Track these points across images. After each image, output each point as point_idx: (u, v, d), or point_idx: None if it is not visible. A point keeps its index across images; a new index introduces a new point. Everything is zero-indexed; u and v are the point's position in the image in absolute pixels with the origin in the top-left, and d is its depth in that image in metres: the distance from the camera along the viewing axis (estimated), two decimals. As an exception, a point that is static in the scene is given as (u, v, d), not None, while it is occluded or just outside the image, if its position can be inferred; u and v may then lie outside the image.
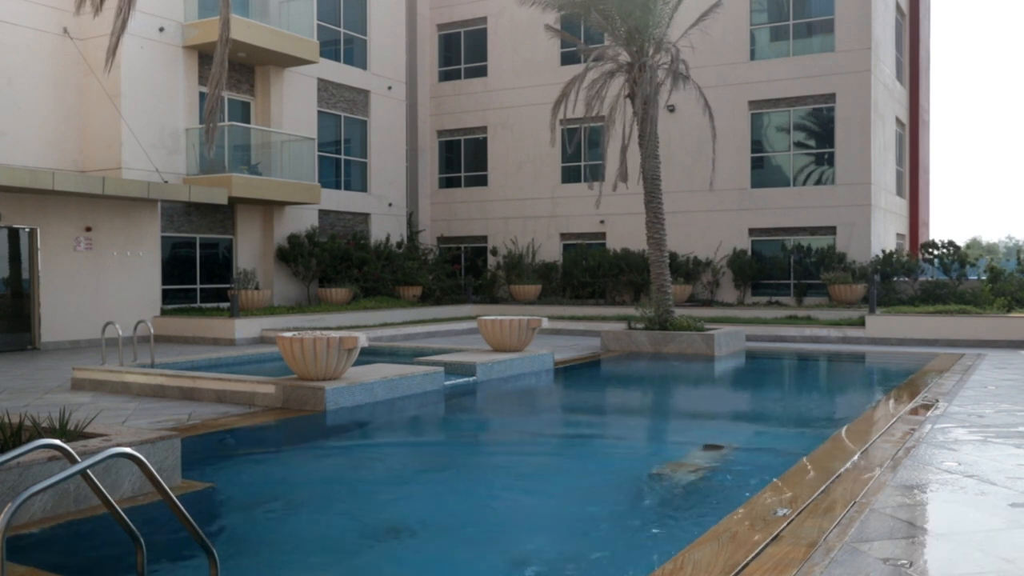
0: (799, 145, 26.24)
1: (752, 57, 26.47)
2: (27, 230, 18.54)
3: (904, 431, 8.65)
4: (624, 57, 19.58)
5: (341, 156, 26.77)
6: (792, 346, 19.53)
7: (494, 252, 29.68)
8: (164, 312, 20.83)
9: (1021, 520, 5.65)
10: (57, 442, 4.02)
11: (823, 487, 6.36)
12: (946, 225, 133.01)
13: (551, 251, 29.29)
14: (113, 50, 10.77)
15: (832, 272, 24.40)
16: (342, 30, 26.49)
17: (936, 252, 24.31)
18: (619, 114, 20.02)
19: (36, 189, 17.36)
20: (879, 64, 25.85)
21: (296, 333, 11.19)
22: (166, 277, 21.45)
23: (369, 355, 13.87)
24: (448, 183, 31.73)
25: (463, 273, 30.46)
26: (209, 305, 22.19)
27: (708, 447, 8.60)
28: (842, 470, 6.91)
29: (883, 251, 25.19)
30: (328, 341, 10.79)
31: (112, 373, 12.13)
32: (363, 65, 27.16)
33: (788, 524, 5.42)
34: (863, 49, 24.96)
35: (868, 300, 21.91)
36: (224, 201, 20.57)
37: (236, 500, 6.73)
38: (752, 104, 26.41)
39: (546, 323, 15.68)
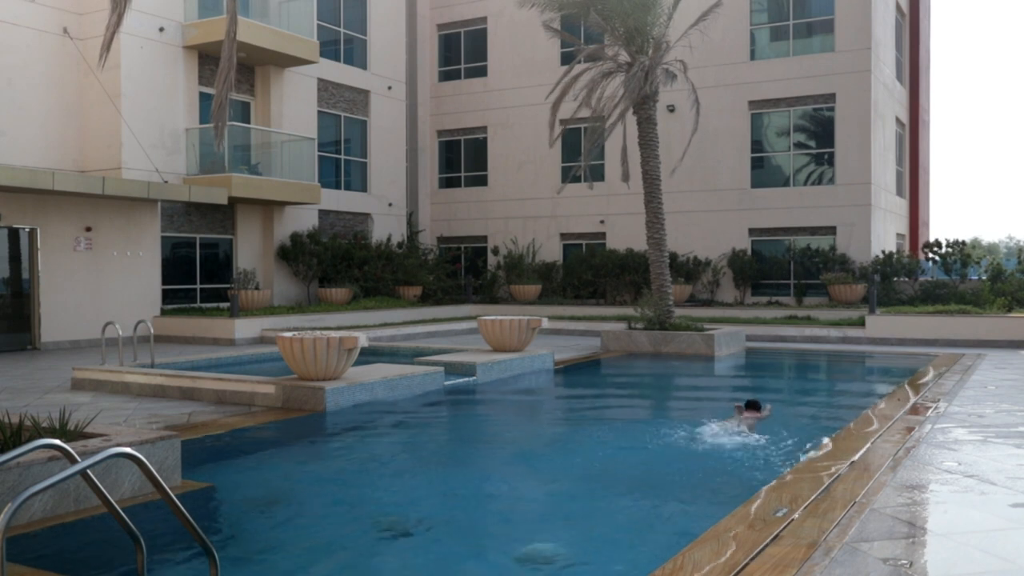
0: (799, 145, 26.24)
1: (752, 57, 26.47)
2: (27, 230, 18.54)
3: (904, 431, 8.65)
4: (623, 57, 19.57)
5: (341, 156, 26.77)
6: (792, 346, 19.53)
7: (495, 252, 29.67)
8: (164, 312, 20.83)
9: (1021, 520, 5.65)
10: (57, 442, 4.02)
11: (823, 487, 6.36)
12: (946, 225, 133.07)
13: (551, 251, 29.29)
14: (108, 44, 10.72)
15: (832, 272, 24.40)
16: (342, 30, 26.49)
17: (940, 251, 24.26)
18: (619, 114, 19.99)
19: (36, 189, 17.36)
20: (879, 64, 25.84)
21: (296, 333, 11.19)
22: (166, 277, 21.45)
23: (369, 355, 13.86)
24: (448, 183, 31.73)
25: (463, 273, 30.47)
26: (209, 305, 22.18)
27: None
28: (842, 470, 6.91)
29: (883, 251, 25.19)
30: (328, 341, 10.78)
31: (112, 373, 12.13)
32: (363, 65, 27.16)
33: (788, 524, 5.42)
34: (863, 49, 24.96)
35: (868, 300, 21.91)
36: (224, 201, 20.57)
37: (236, 500, 6.73)
38: (752, 104, 26.41)
39: (546, 323, 15.68)
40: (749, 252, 26.29)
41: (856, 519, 5.50)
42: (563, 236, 29.40)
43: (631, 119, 19.63)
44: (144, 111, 20.38)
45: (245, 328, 19.51)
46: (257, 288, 22.58)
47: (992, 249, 65.71)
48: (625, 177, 19.86)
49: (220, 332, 19.40)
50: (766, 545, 5.03)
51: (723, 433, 8.92)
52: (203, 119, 21.93)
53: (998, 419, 9.40)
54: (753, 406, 9.78)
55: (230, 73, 10.91)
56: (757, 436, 8.75)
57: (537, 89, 28.83)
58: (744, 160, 26.50)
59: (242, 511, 6.44)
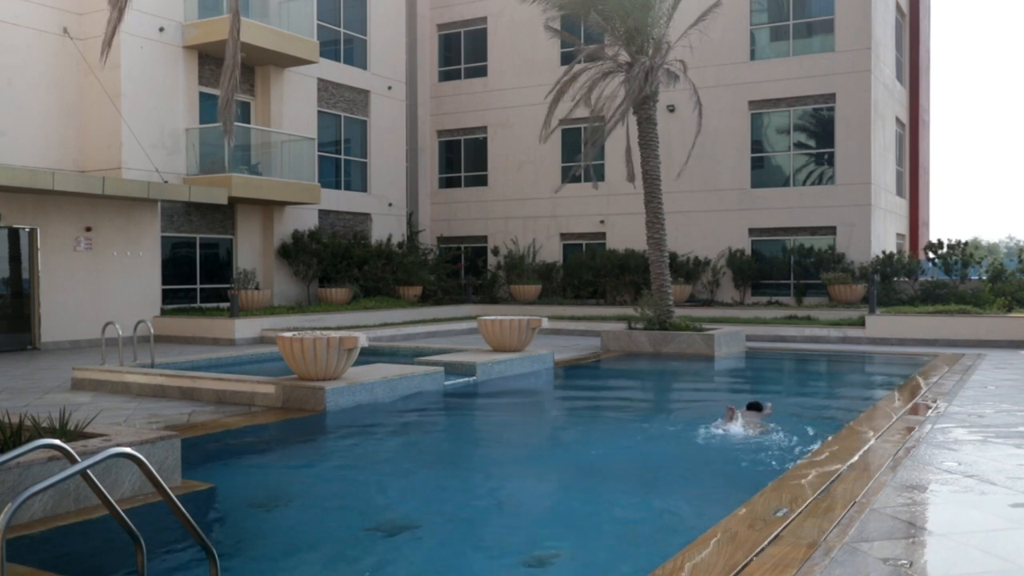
0: (799, 145, 26.24)
1: (752, 57, 26.48)
2: (27, 230, 18.54)
3: (904, 431, 8.65)
4: (623, 57, 19.57)
5: (341, 156, 26.77)
6: (792, 346, 19.53)
7: (495, 252, 29.64)
8: (164, 312, 20.83)
9: (1021, 520, 5.65)
10: (57, 442, 4.02)
11: (823, 487, 6.36)
12: (946, 225, 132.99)
13: (551, 251, 29.29)
14: (109, 40, 10.70)
15: (832, 272, 24.39)
16: (342, 30, 26.50)
17: (942, 252, 24.26)
18: (619, 114, 19.98)
19: (36, 189, 17.36)
20: (879, 64, 25.84)
21: (296, 333, 11.18)
22: (166, 277, 21.45)
23: (369, 355, 13.86)
24: (448, 183, 31.73)
25: (463, 273, 30.47)
26: (209, 305, 22.18)
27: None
28: (842, 470, 6.91)
29: (883, 251, 25.20)
30: (328, 341, 10.79)
31: (112, 373, 12.13)
32: (363, 65, 27.16)
33: (788, 524, 5.42)
34: (863, 49, 24.96)
35: (868, 300, 21.91)
36: (224, 201, 20.57)
37: (236, 500, 6.73)
38: (752, 104, 26.41)
39: (546, 323, 15.68)
40: (749, 252, 26.30)
41: (856, 519, 5.50)
42: (563, 236, 29.40)
43: (632, 119, 19.63)
44: (144, 111, 20.38)
45: (245, 328, 19.51)
46: (257, 288, 22.58)
47: (992, 249, 65.69)
48: (630, 177, 19.84)
49: (220, 332, 19.40)
50: (766, 545, 5.03)
51: (723, 432, 8.92)
52: (203, 119, 21.93)
53: (998, 419, 9.40)
54: (754, 407, 9.77)
55: (235, 71, 10.90)
56: (757, 435, 8.76)
57: (537, 89, 28.83)
58: (744, 160, 26.50)
59: (242, 511, 6.44)
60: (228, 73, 10.89)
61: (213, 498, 6.68)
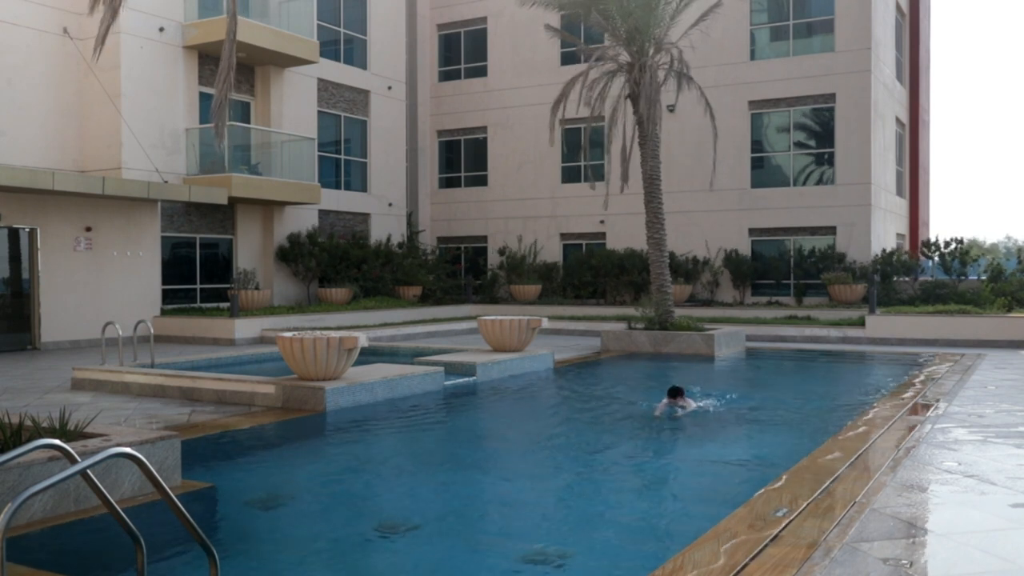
0: (799, 145, 26.24)
1: (752, 57, 26.48)
2: (27, 230, 18.54)
3: (904, 431, 8.65)
4: (624, 57, 19.57)
5: (341, 156, 26.77)
6: (792, 346, 19.52)
7: (501, 252, 29.48)
8: (164, 312, 20.82)
9: (1021, 520, 5.65)
10: (57, 442, 4.02)
11: (823, 487, 6.36)
12: (946, 225, 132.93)
13: (551, 251, 29.30)
14: (102, 39, 10.76)
15: (832, 272, 24.40)
16: (342, 30, 26.49)
17: (939, 250, 24.25)
18: (620, 114, 19.99)
19: (36, 189, 17.36)
20: (879, 64, 25.85)
21: (296, 333, 11.19)
22: (166, 277, 21.44)
23: (369, 355, 13.85)
24: (448, 183, 31.73)
25: (463, 273, 30.46)
26: (209, 305, 22.18)
27: None
28: (842, 470, 6.91)
29: (883, 251, 25.20)
30: (328, 341, 10.79)
31: (112, 373, 12.14)
32: (363, 65, 27.16)
33: (788, 524, 5.42)
34: (863, 49, 24.96)
35: (868, 300, 21.91)
36: (224, 201, 20.57)
37: (236, 500, 6.73)
38: (752, 104, 26.41)
39: (546, 323, 15.67)
40: (749, 252, 26.32)
41: (856, 519, 5.50)
42: (563, 236, 29.40)
43: (631, 119, 19.62)
44: (144, 111, 20.38)
45: (245, 328, 19.51)
46: (257, 288, 22.57)
47: (992, 250, 65.66)
48: (625, 178, 19.84)
49: (220, 332, 19.40)
50: (766, 545, 5.03)
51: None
52: (203, 119, 21.93)
53: (998, 419, 9.41)
54: (676, 392, 10.41)
55: (230, 73, 10.95)
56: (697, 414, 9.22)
57: (537, 89, 28.85)
58: (744, 160, 26.50)
59: (242, 511, 6.44)
60: (223, 76, 10.94)
61: (213, 498, 6.68)
